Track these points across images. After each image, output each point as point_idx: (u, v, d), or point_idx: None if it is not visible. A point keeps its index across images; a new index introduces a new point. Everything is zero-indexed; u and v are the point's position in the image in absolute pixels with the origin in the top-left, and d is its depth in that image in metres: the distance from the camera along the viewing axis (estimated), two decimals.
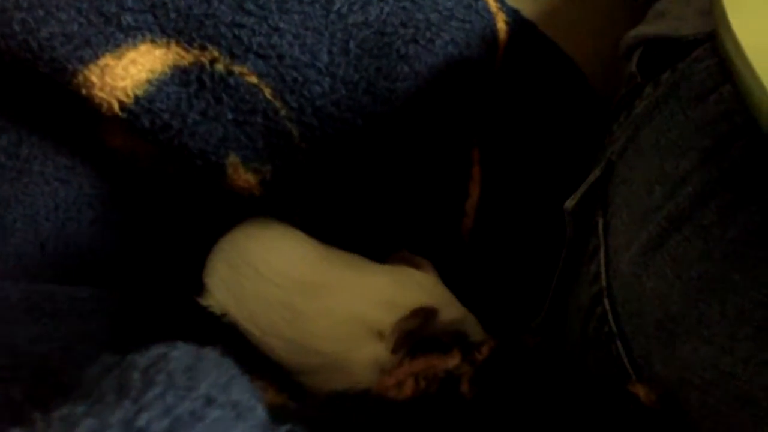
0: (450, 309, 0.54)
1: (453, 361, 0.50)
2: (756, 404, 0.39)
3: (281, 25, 0.54)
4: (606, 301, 0.48)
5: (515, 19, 0.60)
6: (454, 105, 0.59)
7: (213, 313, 0.59)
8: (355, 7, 0.55)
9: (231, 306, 0.57)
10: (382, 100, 0.56)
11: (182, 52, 0.54)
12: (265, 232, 0.60)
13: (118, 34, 0.53)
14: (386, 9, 0.55)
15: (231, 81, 0.54)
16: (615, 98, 0.62)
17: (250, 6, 0.54)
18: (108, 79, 0.53)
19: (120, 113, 0.54)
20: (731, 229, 0.42)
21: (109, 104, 0.54)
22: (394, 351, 0.52)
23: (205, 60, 0.54)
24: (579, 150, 0.61)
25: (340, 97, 0.55)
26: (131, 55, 0.54)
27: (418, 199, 0.60)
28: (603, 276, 0.49)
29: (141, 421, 0.29)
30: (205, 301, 0.59)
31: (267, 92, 0.54)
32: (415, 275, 0.55)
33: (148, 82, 0.54)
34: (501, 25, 0.60)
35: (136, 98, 0.54)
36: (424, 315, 0.52)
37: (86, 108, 0.55)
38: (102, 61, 0.53)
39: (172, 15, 0.53)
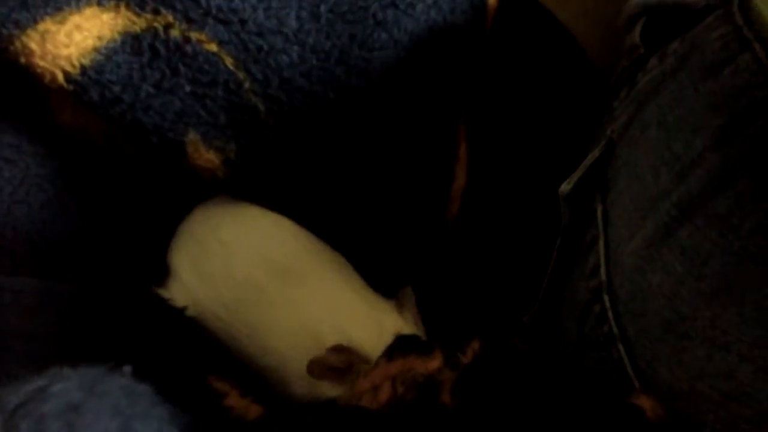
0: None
1: (434, 363, 0.45)
2: None
3: None
4: (606, 298, 0.44)
5: None
6: (437, 77, 0.55)
7: (173, 306, 0.54)
8: None
9: (196, 285, 0.54)
10: (356, 71, 0.52)
11: (133, 17, 0.50)
12: (239, 209, 0.56)
13: None
14: None
15: (188, 49, 0.50)
16: (615, 72, 0.58)
17: None
18: (49, 47, 0.49)
19: (65, 85, 0.50)
20: (750, 219, 0.37)
21: (52, 75, 0.50)
22: (310, 373, 0.48)
23: (158, 25, 0.50)
24: (575, 129, 0.57)
25: (311, 67, 0.51)
26: (75, 19, 0.49)
27: (398, 182, 0.56)
28: (602, 269, 0.45)
29: None
30: (168, 286, 0.55)
31: (228, 62, 0.51)
32: (386, 315, 0.51)
33: (96, 50, 0.50)
34: None
35: (83, 68, 0.49)
36: (348, 357, 0.48)
37: (30, 79, 0.51)
38: (41, 26, 0.49)
39: None
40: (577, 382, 0.45)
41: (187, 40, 0.50)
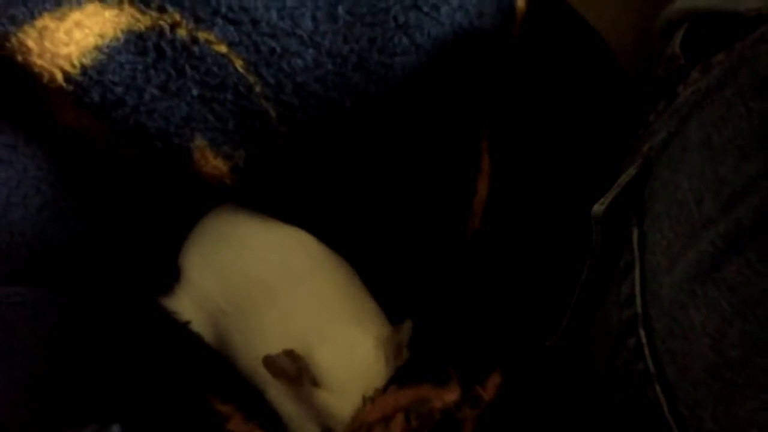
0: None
1: (450, 395, 0.42)
2: None
3: None
4: (642, 332, 0.40)
5: None
6: (461, 85, 0.52)
7: (177, 320, 0.52)
8: None
9: (209, 284, 0.53)
10: (375, 78, 0.49)
11: (137, 14, 0.48)
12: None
13: None
14: None
15: (195, 50, 0.48)
16: (649, 82, 0.54)
17: None
18: (48, 45, 0.47)
19: (64, 85, 0.48)
20: None
21: (51, 74, 0.47)
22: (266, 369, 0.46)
23: (164, 24, 0.48)
24: (606, 141, 0.54)
25: (326, 72, 0.49)
26: (75, 16, 0.47)
27: (416, 195, 0.54)
28: (638, 300, 0.41)
29: None
30: (178, 292, 0.54)
31: (238, 64, 0.48)
32: (361, 344, 0.47)
33: (97, 49, 0.47)
34: None
35: (83, 68, 0.47)
36: (298, 364, 0.46)
37: (29, 77, 0.49)
38: (39, 23, 0.46)
39: None
40: (608, 423, 0.41)
41: (195, 40, 0.48)
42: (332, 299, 0.50)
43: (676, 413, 0.38)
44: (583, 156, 0.54)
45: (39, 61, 0.47)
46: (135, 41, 0.48)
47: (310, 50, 0.48)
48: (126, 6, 0.47)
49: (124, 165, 0.54)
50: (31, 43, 0.46)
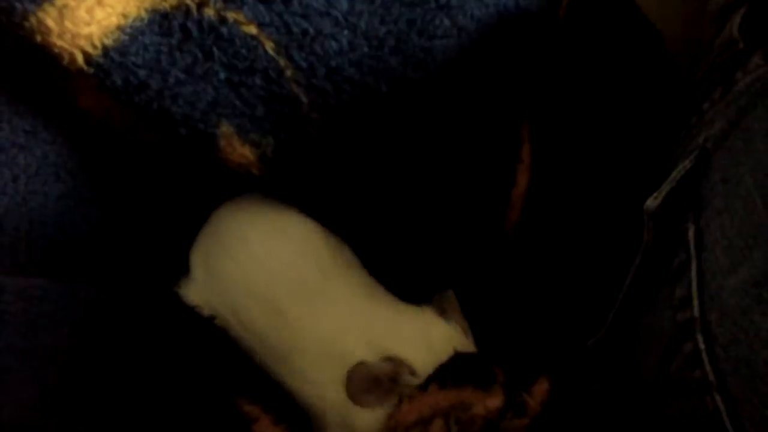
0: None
1: (494, 401, 0.40)
2: None
3: None
4: (699, 338, 0.38)
5: None
6: (503, 70, 0.50)
7: (202, 316, 0.50)
8: None
9: (209, 286, 0.50)
10: (414, 62, 0.47)
11: None
12: (271, 212, 0.52)
13: None
14: None
15: (223, 31, 0.46)
16: (700, 68, 0.51)
17: None
18: (68, 24, 0.44)
19: (85, 67, 0.46)
20: None
21: (71, 56, 0.45)
22: (349, 394, 0.44)
23: (191, 3, 0.46)
24: (655, 131, 0.51)
25: (362, 55, 0.47)
26: None
27: (454, 185, 0.51)
28: (695, 303, 0.39)
29: None
30: (184, 287, 0.51)
31: (269, 46, 0.46)
32: (433, 326, 0.47)
33: (120, 29, 0.45)
34: None
35: (105, 49, 0.45)
36: (395, 368, 0.45)
37: (48, 58, 0.47)
38: (60, 1, 0.44)
39: None
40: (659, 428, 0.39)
41: (223, 20, 0.46)
42: (363, 301, 0.48)
43: (739, 427, 0.36)
44: (629, 146, 0.52)
45: (59, 42, 0.45)
46: (160, 21, 0.45)
47: (345, 32, 0.46)
48: None
49: (146, 152, 0.52)
50: (50, 23, 0.44)
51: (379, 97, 0.47)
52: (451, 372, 0.44)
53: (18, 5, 0.44)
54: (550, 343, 0.49)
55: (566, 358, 0.47)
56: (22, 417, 0.41)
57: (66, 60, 0.45)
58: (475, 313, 0.52)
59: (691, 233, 0.41)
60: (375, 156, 0.49)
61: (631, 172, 0.50)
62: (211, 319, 0.50)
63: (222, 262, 0.50)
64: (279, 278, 0.48)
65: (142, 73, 0.46)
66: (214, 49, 0.46)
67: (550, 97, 0.52)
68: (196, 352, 0.47)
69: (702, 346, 0.38)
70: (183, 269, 0.53)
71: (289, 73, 0.47)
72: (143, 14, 0.45)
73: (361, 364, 0.44)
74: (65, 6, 0.44)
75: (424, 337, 0.46)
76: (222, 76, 0.46)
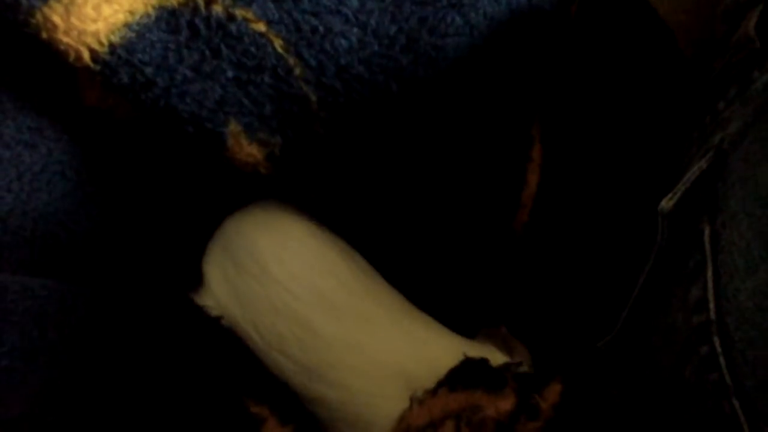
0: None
1: (505, 403, 0.39)
2: None
3: None
4: (716, 341, 0.37)
5: None
6: (515, 68, 0.49)
7: (209, 314, 0.50)
8: None
9: (232, 307, 0.49)
10: (425, 61, 0.47)
11: None
12: (279, 222, 0.51)
13: None
14: None
15: (232, 28, 0.45)
16: (712, 67, 0.50)
17: None
18: (74, 21, 0.44)
19: (91, 65, 0.45)
20: None
21: (78, 53, 0.45)
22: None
23: (199, 0, 0.45)
24: (668, 131, 0.51)
25: (372, 54, 0.46)
26: None
27: (463, 185, 0.51)
28: (711, 305, 0.38)
29: None
30: (201, 298, 0.51)
31: (278, 44, 0.46)
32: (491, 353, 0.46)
33: (127, 26, 0.45)
34: None
35: (112, 46, 0.45)
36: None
37: (54, 55, 0.46)
38: None
39: None
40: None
41: (232, 17, 0.45)
42: (400, 316, 0.48)
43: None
44: (640, 146, 0.51)
45: (65, 39, 0.44)
46: (167, 18, 0.45)
47: (355, 30, 0.46)
48: None
49: (152, 150, 0.52)
50: (56, 19, 0.43)
51: (389, 96, 0.47)
52: (462, 375, 0.43)
53: (24, 1, 0.43)
54: (561, 345, 0.49)
55: (578, 360, 0.46)
56: (26, 417, 0.40)
57: (72, 57, 0.45)
58: (485, 314, 0.51)
59: (706, 235, 0.40)
60: (384, 156, 0.49)
61: (643, 172, 0.49)
62: (218, 319, 0.49)
63: (241, 279, 0.49)
64: (301, 295, 0.47)
65: (149, 70, 0.45)
66: (222, 46, 0.45)
67: (562, 96, 0.51)
68: (202, 353, 0.47)
69: (719, 349, 0.37)
70: (189, 269, 0.52)
71: (298, 71, 0.46)
72: (150, 11, 0.45)
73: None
74: (72, 2, 0.43)
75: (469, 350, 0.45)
76: (230, 74, 0.46)
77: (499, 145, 0.50)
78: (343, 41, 0.45)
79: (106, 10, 0.44)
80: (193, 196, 0.53)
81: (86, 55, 0.45)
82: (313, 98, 0.47)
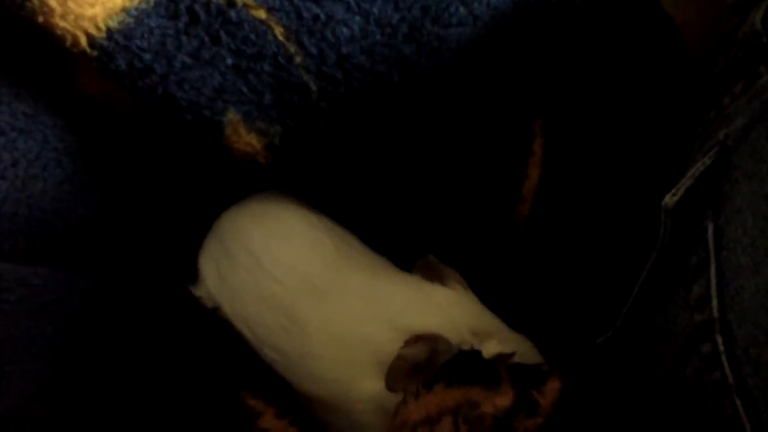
0: (482, 340, 0.44)
1: (503, 400, 0.39)
2: None
3: None
4: (719, 339, 0.37)
5: None
6: (518, 59, 0.49)
7: (204, 307, 0.50)
8: None
9: (223, 300, 0.49)
10: (427, 50, 0.46)
11: None
12: (274, 213, 0.51)
13: None
14: None
15: (232, 14, 0.45)
16: (717, 62, 0.50)
17: None
18: (71, 5, 0.43)
19: (88, 50, 0.45)
20: None
21: (74, 38, 0.44)
22: (390, 387, 0.42)
23: None
24: (671, 126, 0.50)
25: (374, 43, 0.46)
26: None
27: (464, 178, 0.51)
28: (714, 303, 0.38)
29: None
30: (196, 290, 0.50)
31: (278, 32, 0.45)
32: (437, 294, 0.46)
33: (125, 11, 0.44)
34: None
35: (109, 32, 0.44)
36: (430, 344, 0.42)
37: (50, 40, 0.46)
38: None
39: None
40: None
41: (232, 4, 0.45)
42: (374, 284, 0.47)
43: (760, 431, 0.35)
44: (643, 140, 0.51)
45: (62, 23, 0.44)
46: (166, 4, 0.44)
47: (357, 18, 0.45)
48: None
49: (150, 138, 0.51)
50: (53, 3, 0.43)
51: (390, 86, 0.47)
52: (458, 370, 0.43)
53: None
54: (560, 341, 0.48)
55: (578, 356, 0.46)
56: (21, 407, 0.40)
57: (68, 42, 0.44)
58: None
59: (710, 231, 0.40)
60: (384, 147, 0.49)
61: (646, 167, 0.49)
62: (213, 311, 0.49)
63: (232, 271, 0.48)
64: (287, 283, 0.47)
65: (147, 57, 0.45)
66: (222, 33, 0.45)
67: (564, 89, 0.51)
68: (198, 345, 0.46)
69: (721, 347, 0.37)
70: (185, 259, 0.52)
71: (298, 59, 0.46)
72: None
73: (399, 358, 0.42)
74: None
75: (439, 306, 0.45)
76: (229, 61, 0.45)
77: (500, 138, 0.50)
78: (344, 29, 0.45)
79: None
80: (190, 185, 0.53)
81: (83, 41, 0.44)
82: (314, 87, 0.46)
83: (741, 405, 0.36)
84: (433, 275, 0.47)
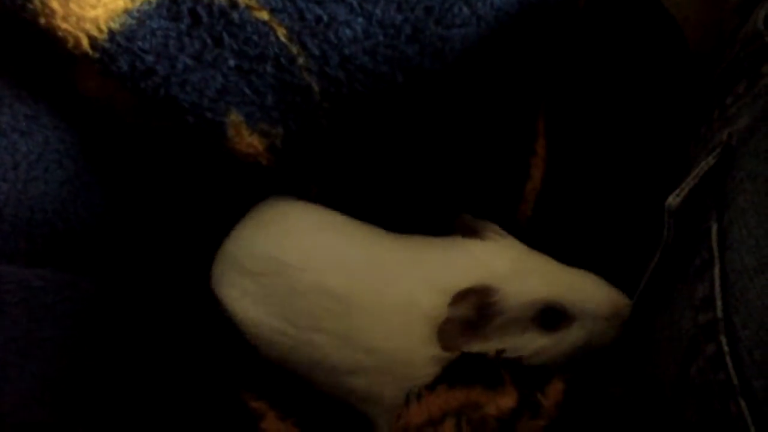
0: (528, 280, 0.44)
1: (506, 401, 0.39)
2: None
3: None
4: (723, 339, 0.37)
5: None
6: (521, 60, 0.49)
7: (207, 308, 0.50)
8: None
9: (258, 314, 0.48)
10: (431, 51, 0.46)
11: None
12: (277, 216, 0.51)
13: None
14: None
15: (234, 16, 0.45)
16: (720, 62, 0.50)
17: None
18: (73, 6, 0.43)
19: (90, 52, 0.45)
20: None
21: (76, 39, 0.44)
22: (446, 347, 0.43)
23: None
24: (674, 126, 0.50)
25: (377, 44, 0.46)
26: None
27: (467, 178, 0.51)
28: (718, 303, 0.38)
29: None
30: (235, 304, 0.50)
31: (281, 33, 0.45)
32: (474, 248, 0.46)
33: (127, 12, 0.44)
34: None
35: (111, 33, 0.44)
36: (474, 299, 0.43)
37: (52, 41, 0.46)
38: None
39: None
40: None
41: (234, 5, 0.45)
42: (404, 253, 0.47)
43: None
44: (646, 141, 0.51)
45: (63, 25, 0.44)
46: (168, 5, 0.44)
47: (360, 19, 0.45)
48: None
49: (152, 140, 0.51)
50: (55, 4, 0.43)
51: (393, 87, 0.47)
52: (460, 372, 0.43)
53: None
54: None
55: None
56: (22, 409, 0.39)
57: (70, 44, 0.44)
58: None
59: (714, 232, 0.40)
60: (387, 147, 0.49)
61: (649, 168, 0.49)
62: (217, 312, 0.49)
63: (259, 284, 0.48)
64: (320, 268, 0.46)
65: (149, 58, 0.45)
66: (224, 35, 0.45)
67: (567, 89, 0.51)
68: (201, 347, 0.46)
69: (726, 348, 0.37)
70: (191, 262, 0.52)
71: (301, 60, 0.46)
72: None
73: (447, 321, 0.42)
74: None
75: (478, 259, 0.45)
76: (232, 63, 0.45)
77: (503, 139, 0.50)
78: (347, 31, 0.45)
79: None
80: (192, 186, 0.53)
81: (85, 42, 0.44)
82: (316, 89, 0.46)
83: (745, 406, 0.35)
84: (470, 232, 0.47)
